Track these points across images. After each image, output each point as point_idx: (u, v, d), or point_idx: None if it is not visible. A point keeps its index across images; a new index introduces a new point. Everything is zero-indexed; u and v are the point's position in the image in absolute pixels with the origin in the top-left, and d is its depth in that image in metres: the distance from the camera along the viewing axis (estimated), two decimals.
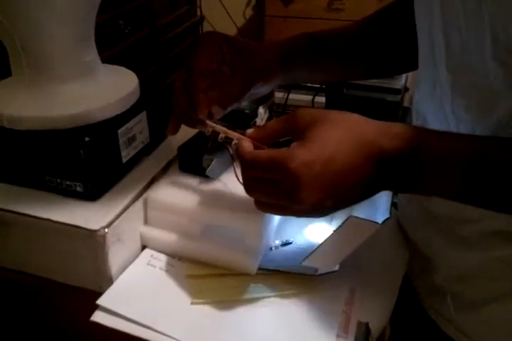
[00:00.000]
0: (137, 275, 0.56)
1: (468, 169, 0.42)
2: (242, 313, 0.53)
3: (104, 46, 1.19)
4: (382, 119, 0.45)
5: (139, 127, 0.60)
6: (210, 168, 0.58)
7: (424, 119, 0.56)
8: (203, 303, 0.53)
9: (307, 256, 0.53)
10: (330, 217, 0.60)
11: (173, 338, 0.49)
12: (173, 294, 0.54)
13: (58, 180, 0.55)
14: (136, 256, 0.58)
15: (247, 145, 0.46)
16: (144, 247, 0.60)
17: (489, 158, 0.41)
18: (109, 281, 0.54)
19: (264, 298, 0.54)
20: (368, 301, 0.55)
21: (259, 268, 0.56)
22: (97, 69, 0.61)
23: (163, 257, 0.58)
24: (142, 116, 0.61)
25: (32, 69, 0.56)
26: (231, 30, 2.42)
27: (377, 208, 0.55)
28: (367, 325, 0.52)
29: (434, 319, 0.60)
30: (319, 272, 0.55)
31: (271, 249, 0.59)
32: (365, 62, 0.65)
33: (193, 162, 0.60)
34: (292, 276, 0.56)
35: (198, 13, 2.39)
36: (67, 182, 0.54)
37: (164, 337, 0.49)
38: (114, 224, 0.52)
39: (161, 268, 0.57)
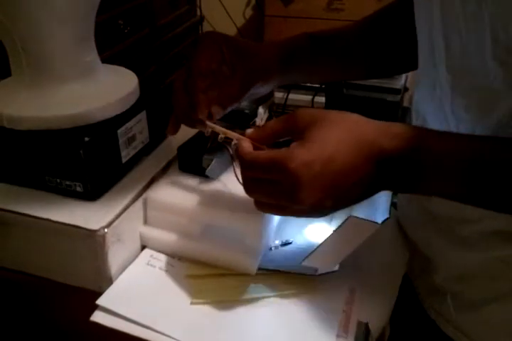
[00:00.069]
0: (137, 276, 0.56)
1: (468, 169, 0.42)
2: (241, 313, 0.53)
3: (103, 46, 1.19)
4: (382, 119, 0.45)
5: (138, 127, 0.60)
6: (209, 168, 0.58)
7: (423, 119, 0.56)
8: (203, 303, 0.53)
9: (307, 256, 0.53)
10: (330, 217, 0.60)
11: (172, 338, 0.49)
12: (172, 294, 0.54)
13: (58, 180, 0.55)
14: (136, 256, 0.58)
15: (246, 145, 0.46)
16: (143, 247, 0.60)
17: (489, 158, 0.41)
18: (109, 281, 0.54)
19: (264, 298, 0.54)
20: (367, 301, 0.55)
21: (259, 268, 0.56)
22: (97, 69, 0.61)
23: (162, 257, 0.58)
24: (142, 116, 0.61)
25: (32, 69, 0.56)
26: (231, 30, 2.42)
27: (377, 208, 0.55)
28: (367, 324, 0.52)
29: (434, 319, 0.60)
30: (319, 272, 0.55)
31: (271, 249, 0.59)
32: (365, 62, 0.65)
33: (192, 162, 0.60)
34: (292, 276, 0.56)
35: (198, 13, 2.39)
36: (67, 182, 0.54)
37: (164, 337, 0.49)
38: (114, 224, 0.52)
39: (160, 268, 0.57)
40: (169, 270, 0.57)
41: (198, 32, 2.38)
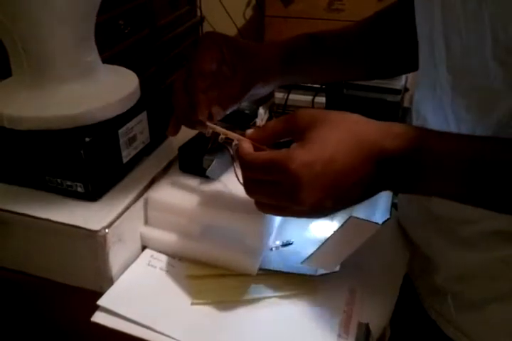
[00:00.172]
0: (137, 276, 0.56)
1: (469, 169, 0.42)
2: (242, 314, 0.53)
3: (104, 46, 1.19)
4: (382, 119, 0.45)
5: (139, 127, 0.60)
6: (210, 168, 0.58)
7: (424, 119, 0.56)
8: (203, 304, 0.53)
9: (308, 257, 0.53)
10: (330, 218, 0.60)
11: (173, 338, 0.49)
12: (173, 294, 0.54)
13: (59, 181, 0.55)
14: (137, 257, 0.58)
15: (247, 146, 0.46)
16: (144, 247, 0.60)
17: (489, 159, 0.41)
18: (110, 282, 0.54)
19: (264, 298, 0.54)
20: (368, 301, 0.55)
21: (260, 269, 0.56)
22: (98, 69, 0.61)
23: (163, 257, 0.58)
24: (143, 116, 0.61)
25: (32, 69, 0.56)
26: (231, 31, 2.42)
27: (378, 208, 0.55)
28: (367, 325, 0.52)
29: (435, 319, 0.60)
30: (320, 272, 0.55)
31: (271, 249, 0.58)
32: (366, 62, 0.65)
33: (193, 162, 0.60)
34: (293, 277, 0.56)
35: (198, 13, 2.39)
36: (68, 183, 0.54)
37: (164, 337, 0.49)
38: (115, 224, 0.52)
39: (161, 269, 0.57)
40: (170, 270, 0.57)
41: (198, 32, 2.38)
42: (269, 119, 0.72)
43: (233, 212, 0.55)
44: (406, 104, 1.64)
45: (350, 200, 0.44)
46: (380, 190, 0.45)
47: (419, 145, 0.42)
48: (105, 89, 0.59)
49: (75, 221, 0.51)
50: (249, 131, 0.48)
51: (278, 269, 0.56)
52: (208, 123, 0.53)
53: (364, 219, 0.48)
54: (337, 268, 0.54)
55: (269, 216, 0.54)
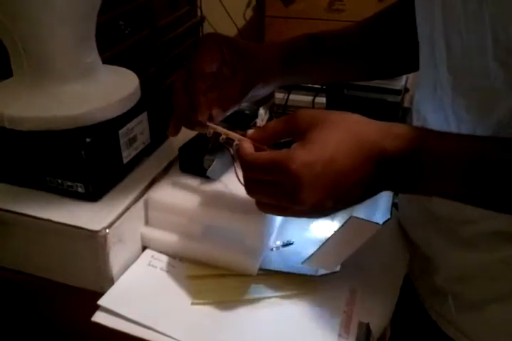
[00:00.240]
0: (138, 276, 0.56)
1: (469, 169, 0.42)
2: (242, 314, 0.53)
3: (104, 47, 1.19)
4: (383, 120, 0.45)
5: (139, 128, 0.60)
6: (210, 168, 0.58)
7: (424, 120, 0.56)
8: (204, 304, 0.53)
9: (308, 257, 0.53)
10: (331, 218, 0.60)
11: (173, 338, 0.49)
12: (173, 294, 0.54)
13: (59, 181, 0.55)
14: (137, 257, 0.58)
15: (247, 146, 0.46)
16: (144, 248, 0.60)
17: (490, 159, 0.41)
18: (110, 282, 0.54)
19: (264, 298, 0.54)
20: (368, 302, 0.55)
21: (260, 269, 0.56)
22: (98, 69, 0.61)
23: (163, 258, 0.58)
24: (143, 116, 0.61)
25: (33, 69, 0.56)
26: (231, 31, 2.42)
27: (378, 209, 0.55)
28: (368, 325, 0.52)
29: (435, 319, 0.60)
30: (320, 273, 0.55)
31: (272, 249, 0.58)
32: (366, 62, 0.65)
33: (193, 163, 0.60)
34: (293, 277, 0.56)
35: (199, 13, 2.39)
36: (68, 183, 0.54)
37: (165, 337, 0.49)
38: (115, 224, 0.52)
39: (161, 269, 0.57)
40: (170, 270, 0.57)
41: (199, 33, 2.38)
42: (269, 120, 0.72)
43: (234, 213, 0.55)
44: (406, 104, 1.64)
45: (350, 200, 0.45)
46: (381, 190, 0.45)
47: (419, 145, 0.42)
48: (105, 90, 0.59)
49: (76, 221, 0.51)
50: (250, 131, 0.48)
51: (278, 269, 0.56)
52: (209, 124, 0.53)
53: (364, 219, 0.48)
54: (337, 269, 0.54)
55: (269, 216, 0.54)
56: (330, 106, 1.57)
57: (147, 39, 1.88)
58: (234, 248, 0.55)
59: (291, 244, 0.59)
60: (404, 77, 1.57)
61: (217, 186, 0.59)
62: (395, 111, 1.54)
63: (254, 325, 0.52)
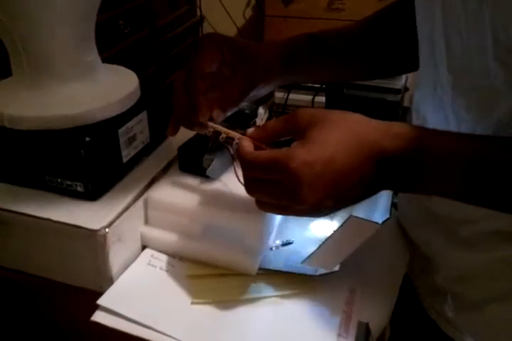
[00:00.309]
0: (138, 275, 0.56)
1: (469, 169, 0.42)
2: (242, 313, 0.53)
3: (103, 46, 1.19)
4: (382, 119, 0.45)
5: (139, 127, 0.60)
6: (210, 168, 0.58)
7: (424, 119, 0.56)
8: (204, 303, 0.53)
9: (308, 256, 0.53)
10: (330, 217, 0.60)
11: (173, 338, 0.49)
12: (173, 294, 0.54)
13: (59, 180, 0.55)
14: (137, 256, 0.58)
15: (247, 145, 0.46)
16: (144, 247, 0.60)
17: (490, 158, 0.41)
18: (110, 281, 0.54)
19: (264, 298, 0.54)
20: (368, 301, 0.55)
21: (260, 268, 0.56)
22: (98, 69, 0.61)
23: (163, 257, 0.58)
24: (143, 115, 0.61)
25: (32, 69, 0.56)
26: (231, 31, 2.42)
27: (378, 208, 0.55)
28: (367, 325, 0.52)
29: (434, 319, 0.60)
30: (320, 272, 0.55)
31: (271, 248, 0.59)
32: (366, 62, 0.65)
33: (193, 162, 0.60)
34: (293, 276, 0.56)
35: (198, 13, 2.39)
36: (68, 182, 0.54)
37: (165, 337, 0.49)
38: (115, 224, 0.52)
39: (161, 268, 0.57)
40: (170, 270, 0.57)
41: (198, 32, 2.38)
42: (269, 119, 0.72)
43: (233, 212, 0.55)
44: (406, 103, 1.64)
45: (350, 200, 0.45)
46: (380, 190, 0.45)
47: (419, 145, 0.42)
48: (105, 89, 0.59)
49: (75, 220, 0.51)
50: (250, 130, 0.48)
51: (278, 269, 0.56)
52: (209, 123, 0.53)
53: (364, 219, 0.48)
54: (337, 268, 0.54)
55: (269, 215, 0.54)
56: (329, 105, 1.56)
57: (147, 38, 1.88)
58: (233, 247, 0.55)
59: (291, 243, 0.59)
60: (404, 77, 1.57)
61: (216, 185, 0.59)
62: (394, 110, 1.54)
63: (254, 325, 0.52)
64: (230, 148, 0.56)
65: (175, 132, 0.58)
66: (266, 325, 0.52)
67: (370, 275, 0.59)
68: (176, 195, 0.58)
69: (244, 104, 0.63)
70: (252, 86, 0.56)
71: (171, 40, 2.06)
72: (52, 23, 0.54)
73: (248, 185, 0.46)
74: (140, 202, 0.57)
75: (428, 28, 0.51)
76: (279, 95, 1.61)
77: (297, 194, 0.42)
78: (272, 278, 0.56)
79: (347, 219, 0.49)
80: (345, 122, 0.44)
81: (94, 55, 0.60)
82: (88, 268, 0.54)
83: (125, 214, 0.54)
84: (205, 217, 0.56)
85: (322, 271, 0.55)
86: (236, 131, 0.50)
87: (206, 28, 2.43)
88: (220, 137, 0.53)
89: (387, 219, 0.51)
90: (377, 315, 0.54)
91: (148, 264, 0.57)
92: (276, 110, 1.60)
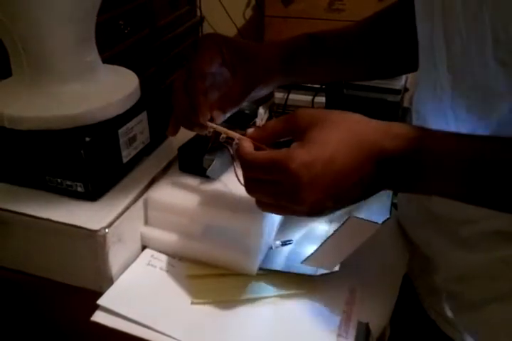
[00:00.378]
0: (138, 276, 0.56)
1: (469, 169, 0.42)
2: (242, 313, 0.53)
3: (104, 46, 1.19)
4: (382, 119, 0.45)
5: (139, 127, 0.60)
6: (210, 168, 0.58)
7: (424, 119, 0.56)
8: (203, 303, 0.53)
9: (307, 257, 0.53)
10: (330, 217, 0.60)
11: (173, 338, 0.49)
12: (173, 294, 0.54)
13: (59, 180, 0.55)
14: (137, 256, 0.58)
15: (247, 145, 0.46)
16: (144, 247, 0.60)
17: (490, 158, 0.41)
18: (110, 281, 0.54)
19: (264, 298, 0.54)
20: (368, 301, 0.55)
21: (260, 268, 0.56)
22: (98, 69, 0.61)
23: (163, 257, 0.58)
24: (143, 116, 0.61)
25: (33, 69, 0.56)
26: (231, 31, 2.42)
27: (378, 208, 0.55)
28: (367, 325, 0.52)
29: (434, 319, 0.60)
30: (320, 272, 0.55)
31: (271, 248, 0.59)
32: (366, 62, 0.65)
33: (193, 162, 0.60)
34: (292, 276, 0.56)
35: (198, 13, 2.39)
36: (68, 182, 0.54)
37: (164, 337, 0.49)
38: (115, 224, 0.52)
39: (161, 269, 0.57)
40: (170, 270, 0.57)
41: (198, 32, 2.38)
42: (268, 119, 0.72)
43: (233, 212, 0.55)
44: (406, 104, 1.64)
45: (350, 200, 0.45)
46: (380, 190, 0.45)
47: (419, 145, 0.42)
48: (105, 89, 0.59)
49: (75, 221, 0.52)
50: (250, 130, 0.48)
51: (278, 269, 0.56)
52: (209, 123, 0.53)
53: (364, 219, 0.48)
54: (337, 268, 0.55)
55: (269, 216, 0.54)
56: (329, 105, 1.56)
57: (147, 39, 1.88)
58: (233, 247, 0.55)
59: (291, 243, 0.59)
60: (403, 77, 1.57)
61: (216, 186, 0.59)
62: (394, 110, 1.54)
63: (254, 325, 0.52)
64: (230, 148, 0.56)
65: (175, 132, 0.58)
66: (266, 325, 0.52)
67: (370, 276, 0.59)
68: (176, 195, 0.58)
69: (244, 105, 0.63)
70: (252, 86, 0.56)
71: (171, 40, 2.06)
72: (52, 23, 0.54)
73: (248, 186, 0.46)
74: (140, 203, 0.57)
75: (428, 28, 0.51)
76: (279, 95, 1.60)
77: (297, 195, 0.42)
78: (271, 278, 0.56)
79: (347, 220, 0.49)
80: (345, 122, 0.44)
81: (94, 55, 0.60)
82: (88, 268, 0.54)
83: (125, 214, 0.54)
84: (205, 217, 0.56)
85: (322, 271, 0.55)
86: (236, 132, 0.50)
87: (206, 29, 2.43)
88: (220, 137, 0.53)
89: (387, 219, 0.51)
90: (377, 315, 0.54)
91: (148, 264, 0.57)
92: (276, 110, 1.60)
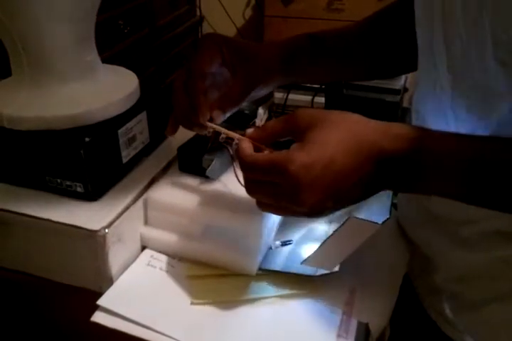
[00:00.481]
0: (137, 276, 0.56)
1: (469, 169, 0.42)
2: (242, 314, 0.53)
3: (103, 46, 1.19)
4: (382, 119, 0.45)
5: (139, 127, 0.60)
6: (210, 168, 0.58)
7: (423, 119, 0.56)
8: (203, 304, 0.53)
9: (307, 257, 0.53)
10: (330, 218, 0.60)
11: (173, 338, 0.49)
12: (173, 294, 0.54)
13: (58, 181, 0.55)
14: (137, 257, 0.58)
15: (246, 146, 0.46)
16: (144, 248, 0.60)
17: (490, 159, 0.41)
18: (110, 281, 0.54)
19: (264, 298, 0.54)
20: (368, 301, 0.55)
21: (259, 269, 0.56)
22: (97, 69, 0.61)
23: (163, 257, 0.58)
24: (142, 116, 0.61)
25: (32, 69, 0.56)
26: (231, 31, 2.42)
27: (377, 208, 0.55)
28: (367, 325, 0.52)
29: (434, 319, 0.60)
30: (319, 272, 0.55)
31: (271, 249, 0.59)
32: (365, 62, 0.65)
33: (193, 162, 0.60)
34: (292, 276, 0.56)
35: (198, 13, 2.39)
36: (68, 183, 0.54)
37: (164, 337, 0.49)
38: (115, 224, 0.52)
39: (161, 269, 0.57)
40: (169, 270, 0.57)
41: (198, 32, 2.38)
42: (268, 119, 0.72)
43: (233, 212, 0.55)
44: (405, 104, 1.63)
45: (350, 200, 0.45)
46: (380, 190, 0.45)
47: (419, 145, 0.42)
48: (105, 89, 0.59)
49: (75, 221, 0.51)
50: (250, 131, 0.48)
51: (278, 269, 0.56)
52: (209, 123, 0.53)
53: (363, 219, 0.48)
54: (337, 268, 0.55)
55: (269, 216, 0.54)
56: (329, 105, 1.56)
57: (146, 38, 1.88)
58: (233, 248, 0.55)
59: (291, 243, 0.59)
60: (403, 77, 1.57)
61: (216, 186, 0.59)
62: (394, 110, 1.54)
63: (254, 325, 0.52)
64: (229, 148, 0.56)
65: (174, 132, 0.58)
66: (266, 325, 0.52)
67: (370, 275, 0.59)
68: (175, 195, 0.58)
69: (243, 105, 0.63)
70: (252, 86, 0.56)
71: (170, 40, 2.06)
72: (52, 22, 0.54)
73: (248, 186, 0.46)
74: (140, 203, 0.57)
75: (428, 33, 0.51)
76: (278, 95, 1.60)
77: (297, 196, 0.42)
78: (271, 279, 0.56)
79: (346, 220, 0.49)
80: (345, 122, 0.44)
81: (94, 55, 0.60)
82: (88, 269, 0.54)
83: (125, 214, 0.54)
84: (205, 217, 0.56)
85: (322, 271, 0.55)
86: (235, 132, 0.50)
87: (206, 28, 2.42)
88: (220, 137, 0.53)
89: (387, 219, 0.51)
90: (377, 315, 0.54)
91: (148, 265, 0.57)
92: (276, 110, 1.60)
